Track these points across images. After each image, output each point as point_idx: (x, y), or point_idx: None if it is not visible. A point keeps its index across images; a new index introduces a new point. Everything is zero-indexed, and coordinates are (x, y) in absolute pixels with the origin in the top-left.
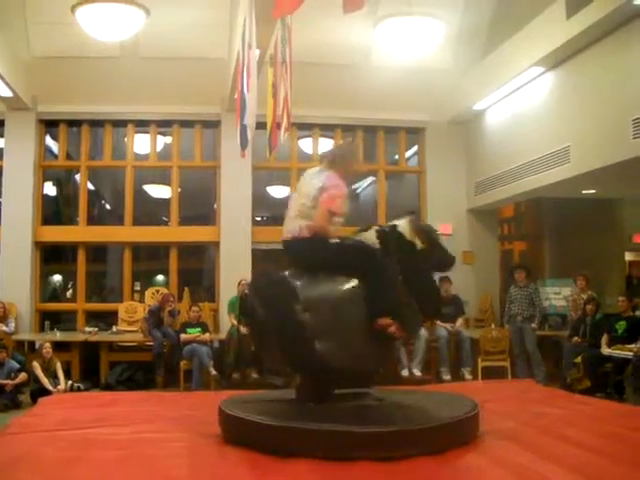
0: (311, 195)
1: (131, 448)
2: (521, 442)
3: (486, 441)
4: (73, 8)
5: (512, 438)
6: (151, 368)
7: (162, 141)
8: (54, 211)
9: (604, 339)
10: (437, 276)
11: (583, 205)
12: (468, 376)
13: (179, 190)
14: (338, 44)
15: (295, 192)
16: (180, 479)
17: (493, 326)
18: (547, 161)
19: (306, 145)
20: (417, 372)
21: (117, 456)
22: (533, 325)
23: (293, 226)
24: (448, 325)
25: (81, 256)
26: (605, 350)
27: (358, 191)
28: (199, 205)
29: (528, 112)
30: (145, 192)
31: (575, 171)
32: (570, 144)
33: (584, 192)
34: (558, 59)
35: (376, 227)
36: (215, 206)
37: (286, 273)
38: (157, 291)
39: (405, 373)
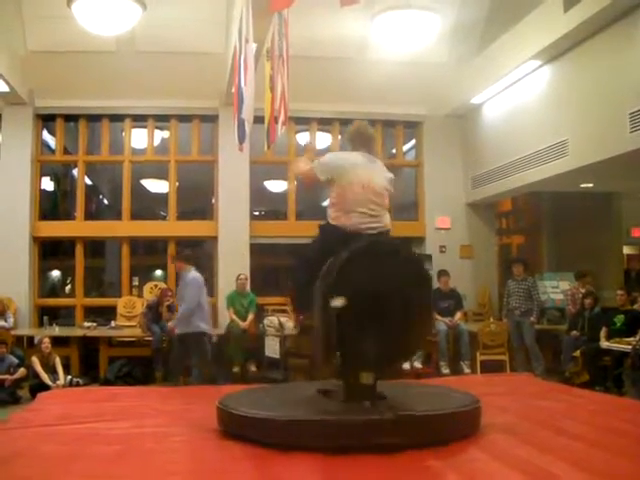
0: (388, 187)
1: (131, 443)
2: (520, 436)
3: (485, 434)
4: (69, 2)
5: (511, 431)
6: (150, 363)
7: (159, 135)
8: (52, 206)
9: (603, 333)
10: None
11: (581, 199)
12: (467, 369)
13: (177, 184)
14: (335, 37)
15: (371, 182)
16: (180, 473)
17: (491, 320)
18: (545, 155)
19: (304, 139)
20: (418, 365)
21: (116, 451)
22: (532, 319)
23: (387, 220)
24: (447, 319)
25: (79, 251)
26: (604, 344)
27: None
28: (197, 200)
29: (526, 106)
30: (143, 187)
31: (573, 165)
32: (568, 138)
33: (582, 186)
34: (555, 52)
35: None
36: (213, 200)
37: None
38: (155, 286)
39: (406, 366)
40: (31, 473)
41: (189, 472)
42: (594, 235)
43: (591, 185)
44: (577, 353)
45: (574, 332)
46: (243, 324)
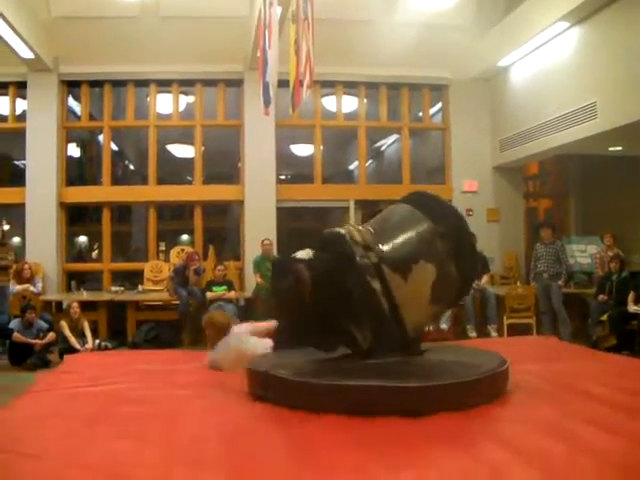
0: None
1: (157, 404)
2: (546, 398)
3: (511, 397)
4: None
5: (537, 394)
6: (177, 327)
7: (185, 100)
8: (78, 172)
9: (630, 297)
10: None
11: (609, 162)
12: (494, 333)
13: (202, 149)
14: (361, 0)
15: None
16: (207, 433)
17: (518, 283)
18: (573, 117)
19: (330, 103)
20: (444, 326)
21: (143, 412)
22: (559, 282)
23: None
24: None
25: (106, 216)
26: (631, 308)
27: (382, 149)
28: (223, 164)
29: (553, 68)
30: (168, 152)
31: (601, 127)
32: (596, 100)
33: (610, 149)
34: (584, 14)
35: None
36: (239, 165)
37: None
38: (182, 250)
39: (430, 327)
40: (62, 434)
41: (216, 433)
42: (622, 198)
43: (620, 148)
44: (604, 317)
45: (602, 296)
46: None
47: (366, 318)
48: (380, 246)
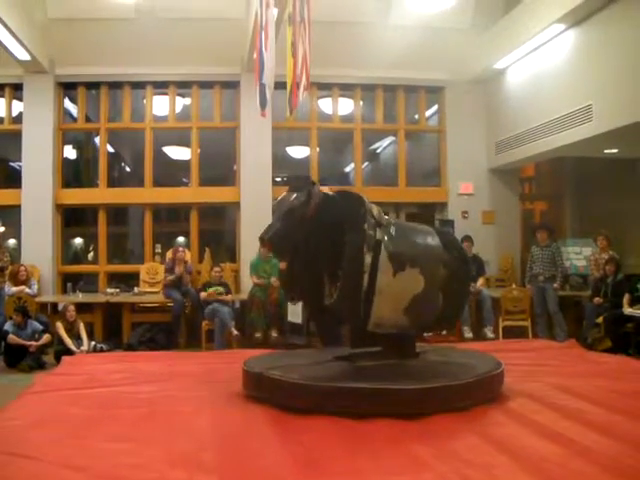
0: None
1: (154, 405)
2: (541, 400)
3: (507, 399)
4: None
5: (532, 396)
6: (173, 329)
7: (181, 102)
8: (74, 174)
9: (625, 299)
10: (459, 236)
11: (605, 164)
12: (490, 335)
13: (199, 151)
14: (357, 2)
15: None
16: (202, 434)
17: (514, 286)
18: (569, 120)
19: (326, 105)
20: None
21: (140, 413)
22: (555, 285)
23: None
24: None
25: (102, 218)
26: (626, 310)
27: (378, 151)
28: (219, 166)
29: (549, 70)
30: (165, 154)
31: (597, 130)
32: (592, 102)
33: (606, 151)
34: (580, 16)
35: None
36: (235, 167)
37: None
38: None
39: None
40: (59, 435)
41: (211, 433)
42: (618, 201)
43: (615, 151)
44: (600, 320)
45: (597, 299)
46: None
47: (342, 281)
48: (388, 235)
